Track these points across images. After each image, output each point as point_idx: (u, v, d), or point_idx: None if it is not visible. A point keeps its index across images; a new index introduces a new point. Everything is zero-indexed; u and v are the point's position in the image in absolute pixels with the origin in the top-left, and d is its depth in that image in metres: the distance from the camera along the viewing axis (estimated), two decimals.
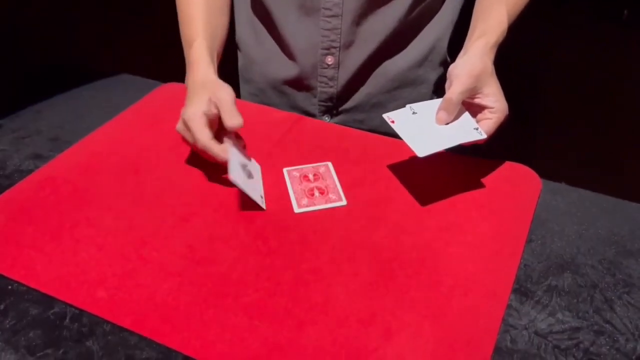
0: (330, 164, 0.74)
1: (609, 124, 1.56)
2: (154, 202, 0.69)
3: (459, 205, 0.68)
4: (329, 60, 0.86)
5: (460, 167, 0.74)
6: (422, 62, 0.90)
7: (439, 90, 0.93)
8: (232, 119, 0.67)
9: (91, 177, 0.73)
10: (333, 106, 0.92)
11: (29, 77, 0.99)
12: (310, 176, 0.73)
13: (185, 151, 0.77)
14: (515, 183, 0.72)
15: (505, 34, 0.74)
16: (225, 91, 0.70)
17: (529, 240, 0.64)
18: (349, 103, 0.92)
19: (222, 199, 0.69)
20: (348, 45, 0.85)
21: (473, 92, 0.68)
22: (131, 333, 0.54)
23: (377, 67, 0.89)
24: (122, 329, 0.54)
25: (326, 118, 0.93)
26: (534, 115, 1.61)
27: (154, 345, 0.53)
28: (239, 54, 0.99)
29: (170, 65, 0.93)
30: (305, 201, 0.69)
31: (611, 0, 1.68)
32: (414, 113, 0.69)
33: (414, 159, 0.75)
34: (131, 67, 1.02)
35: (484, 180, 0.72)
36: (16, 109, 0.88)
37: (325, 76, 0.88)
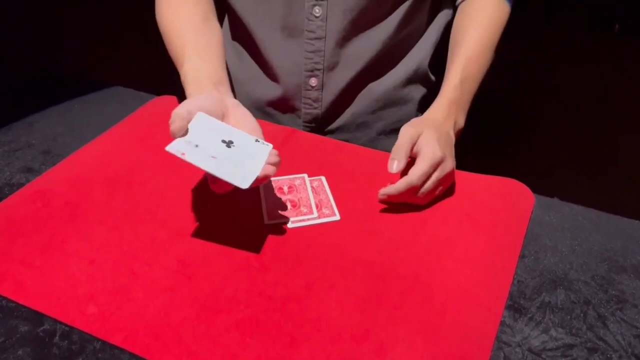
0: (324, 179, 0.74)
1: (602, 138, 1.57)
2: (146, 217, 0.68)
3: (452, 220, 0.68)
4: (313, 82, 0.85)
5: (453, 182, 0.74)
6: (407, 83, 0.90)
7: (424, 108, 0.91)
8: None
9: (83, 190, 0.72)
10: (318, 127, 0.91)
11: (21, 89, 0.99)
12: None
13: (179, 165, 0.77)
14: (508, 198, 0.72)
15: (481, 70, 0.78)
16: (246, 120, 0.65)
17: (522, 256, 0.64)
18: (334, 124, 0.91)
19: (214, 213, 0.69)
20: (332, 67, 0.84)
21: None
22: (122, 350, 0.53)
23: (362, 88, 0.88)
24: (112, 347, 0.54)
25: None
26: (527, 130, 1.62)
27: None
28: None
29: (163, 77, 0.93)
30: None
31: (602, 13, 1.69)
32: (196, 146, 0.59)
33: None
34: (124, 79, 1.02)
35: (477, 195, 0.72)
36: (8, 122, 0.88)
37: (310, 98, 0.87)
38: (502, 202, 0.71)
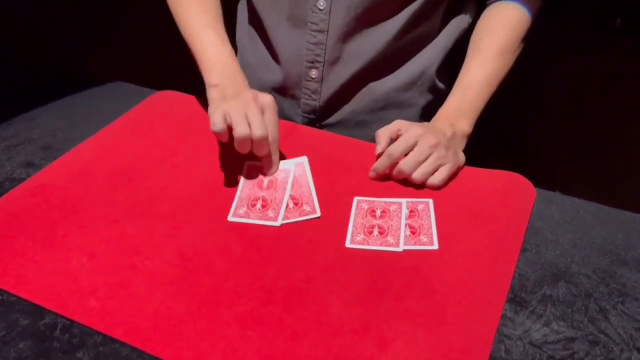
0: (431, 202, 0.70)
1: (603, 133, 1.57)
2: (147, 211, 0.68)
3: (454, 213, 0.68)
4: (313, 73, 0.86)
5: (455, 177, 0.74)
6: (410, 86, 0.88)
7: (426, 114, 0.91)
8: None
9: (83, 185, 0.72)
10: (316, 119, 0.92)
11: (22, 85, 0.99)
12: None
13: (179, 160, 0.77)
14: (510, 192, 0.72)
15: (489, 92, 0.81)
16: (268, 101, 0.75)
17: (524, 250, 0.64)
18: (333, 118, 0.91)
19: (215, 207, 0.69)
20: (333, 61, 0.85)
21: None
22: (122, 344, 0.53)
23: (363, 86, 0.88)
24: (113, 340, 0.54)
25: None
26: (528, 124, 1.61)
27: (145, 356, 0.52)
28: (237, 57, 0.98)
29: (163, 72, 0.93)
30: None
31: (603, 9, 1.69)
32: None
33: None
34: (124, 74, 1.02)
35: (478, 189, 0.72)
36: (8, 117, 0.88)
37: (309, 89, 0.88)
38: (504, 195, 0.71)
